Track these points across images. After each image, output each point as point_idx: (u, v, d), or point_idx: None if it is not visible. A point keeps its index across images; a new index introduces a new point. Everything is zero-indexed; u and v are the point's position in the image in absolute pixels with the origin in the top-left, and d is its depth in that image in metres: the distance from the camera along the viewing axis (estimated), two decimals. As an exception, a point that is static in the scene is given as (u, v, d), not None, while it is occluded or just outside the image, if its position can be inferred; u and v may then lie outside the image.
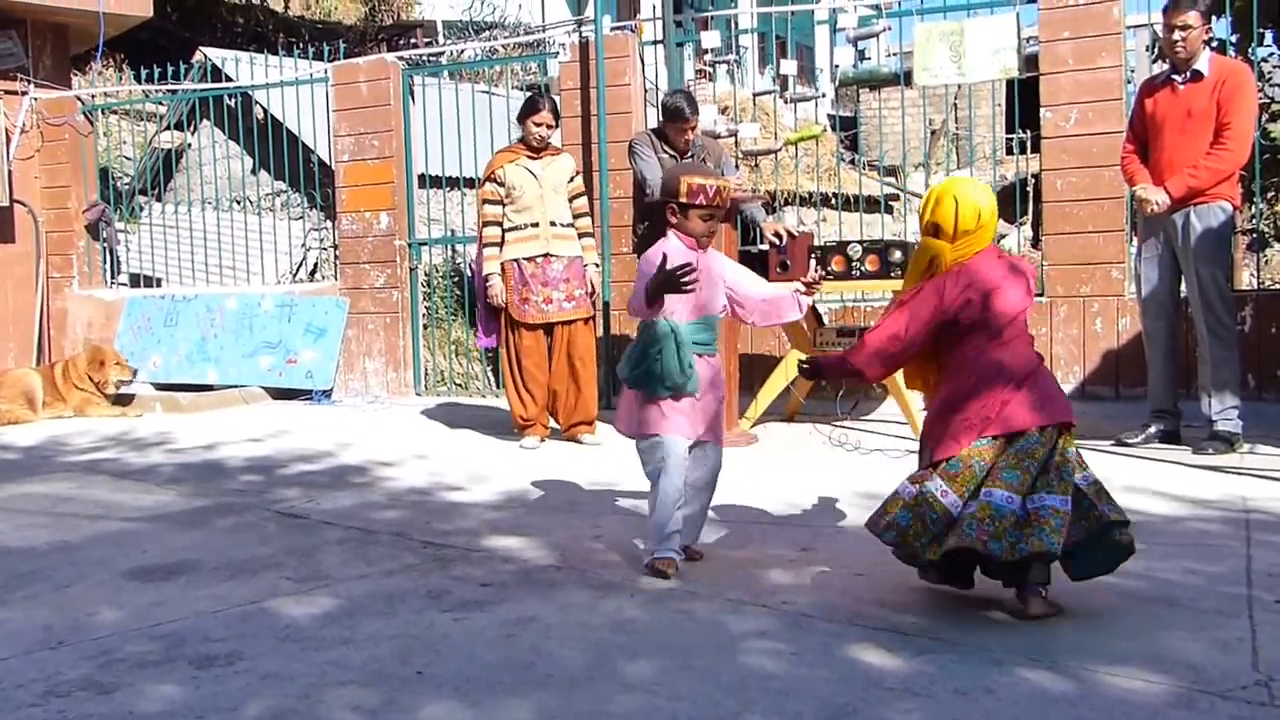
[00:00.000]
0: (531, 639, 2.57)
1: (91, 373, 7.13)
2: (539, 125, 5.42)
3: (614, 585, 3.00)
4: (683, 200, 3.13)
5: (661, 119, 5.47)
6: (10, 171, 8.38)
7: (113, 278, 8.97)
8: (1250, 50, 6.38)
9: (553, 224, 5.43)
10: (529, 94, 5.69)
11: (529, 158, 5.46)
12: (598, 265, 5.72)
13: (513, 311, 5.42)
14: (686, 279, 2.96)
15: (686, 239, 3.16)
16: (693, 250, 3.15)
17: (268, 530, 3.80)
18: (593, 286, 5.57)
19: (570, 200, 5.54)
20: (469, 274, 8.50)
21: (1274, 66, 7.18)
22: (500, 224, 5.43)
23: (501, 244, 5.43)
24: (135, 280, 9.14)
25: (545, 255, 5.40)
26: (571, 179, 5.57)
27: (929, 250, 2.78)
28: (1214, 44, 5.12)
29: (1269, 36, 6.80)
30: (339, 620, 2.75)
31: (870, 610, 2.70)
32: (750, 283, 3.32)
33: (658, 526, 3.08)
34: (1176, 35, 4.62)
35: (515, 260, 5.41)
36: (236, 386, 7.68)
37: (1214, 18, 5.22)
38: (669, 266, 2.97)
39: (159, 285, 9.06)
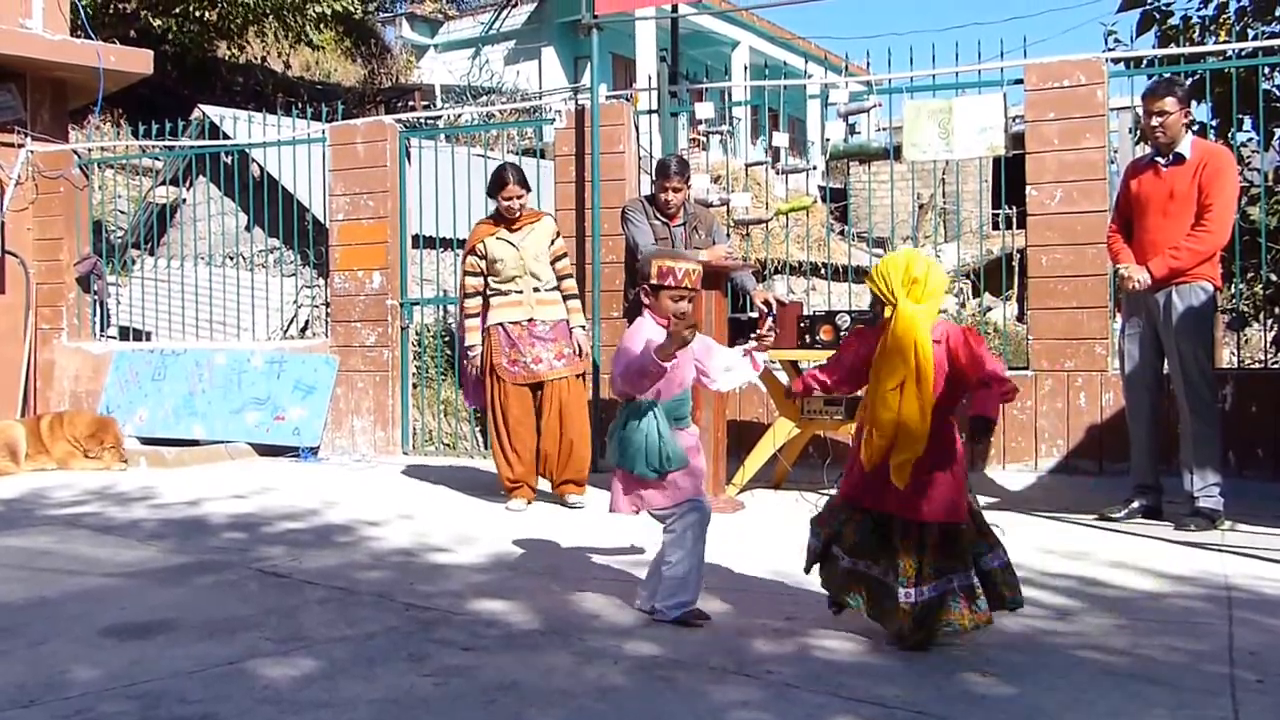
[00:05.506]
0: (512, 705, 2.54)
1: (85, 439, 7.07)
2: (509, 199, 5.44)
3: (598, 651, 2.98)
4: (654, 282, 3.24)
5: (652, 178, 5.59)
6: (3, 223, 8.41)
7: (102, 330, 8.97)
8: (1230, 135, 6.54)
9: (536, 290, 5.48)
10: (496, 168, 5.55)
11: (506, 229, 5.50)
12: (585, 327, 5.75)
13: (501, 373, 5.44)
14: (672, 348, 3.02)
15: (660, 319, 3.23)
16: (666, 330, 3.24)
17: (249, 589, 3.76)
18: (580, 347, 5.60)
19: (552, 263, 5.58)
20: (458, 334, 8.53)
21: (1253, 151, 7.34)
22: (481, 294, 5.50)
23: (484, 312, 5.50)
24: (125, 334, 9.14)
25: (530, 320, 5.45)
26: (553, 242, 5.60)
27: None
28: (1195, 128, 5.24)
29: (1247, 122, 6.95)
30: (318, 682, 2.72)
31: (854, 681, 2.69)
32: (714, 351, 3.41)
33: (695, 582, 3.25)
34: (1155, 120, 4.76)
35: (501, 324, 5.46)
36: (223, 442, 7.65)
37: (1195, 103, 5.37)
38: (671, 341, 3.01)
39: (148, 339, 9.05)
